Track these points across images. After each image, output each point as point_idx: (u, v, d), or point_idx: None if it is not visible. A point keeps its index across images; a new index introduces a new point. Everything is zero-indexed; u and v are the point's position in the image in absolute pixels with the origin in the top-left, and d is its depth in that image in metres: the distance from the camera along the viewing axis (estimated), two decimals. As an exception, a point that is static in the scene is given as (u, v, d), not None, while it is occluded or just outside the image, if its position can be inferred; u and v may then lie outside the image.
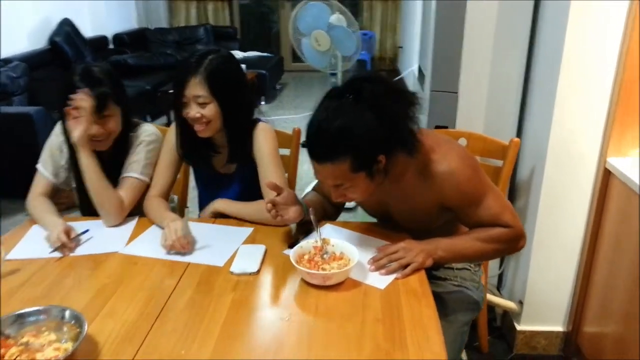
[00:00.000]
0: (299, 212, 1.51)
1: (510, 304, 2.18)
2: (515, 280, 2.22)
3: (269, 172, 1.68)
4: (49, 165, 1.77)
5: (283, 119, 5.82)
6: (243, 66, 1.69)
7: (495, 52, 2.07)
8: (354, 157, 1.27)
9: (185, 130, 1.69)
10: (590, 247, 1.97)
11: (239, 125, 1.69)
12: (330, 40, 3.14)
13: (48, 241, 1.53)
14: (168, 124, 5.46)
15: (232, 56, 1.71)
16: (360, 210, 2.22)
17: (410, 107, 1.33)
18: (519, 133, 2.15)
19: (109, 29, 6.33)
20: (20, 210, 3.58)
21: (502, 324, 2.33)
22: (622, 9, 1.70)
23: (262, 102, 6.37)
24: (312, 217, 1.46)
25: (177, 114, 1.67)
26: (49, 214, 1.67)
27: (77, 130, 1.61)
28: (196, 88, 1.57)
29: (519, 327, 2.16)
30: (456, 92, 2.12)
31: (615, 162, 1.82)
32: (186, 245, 1.47)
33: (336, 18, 3.17)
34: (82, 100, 1.59)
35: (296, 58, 8.64)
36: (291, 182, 2.06)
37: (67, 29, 5.27)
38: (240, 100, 1.69)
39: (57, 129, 1.79)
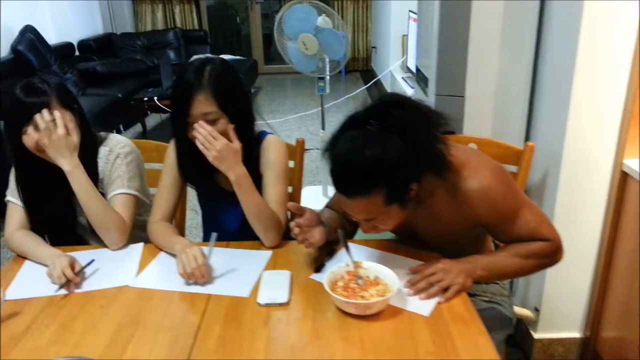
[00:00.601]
0: (324, 233, 1.41)
1: (526, 312, 2.13)
2: (529, 287, 2.17)
3: (272, 186, 1.58)
4: (19, 193, 1.61)
5: (262, 124, 5.67)
6: (212, 56, 1.55)
7: (503, 53, 2.02)
8: (388, 189, 1.18)
9: (187, 151, 1.55)
10: (608, 250, 1.93)
11: (247, 138, 1.57)
12: (318, 43, 3.04)
13: (50, 277, 1.38)
14: (143, 133, 5.33)
15: (229, 63, 1.57)
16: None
17: (437, 127, 1.24)
18: (527, 137, 2.10)
19: (74, 35, 6.07)
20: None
21: (515, 332, 2.28)
22: (634, 8, 1.66)
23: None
24: (341, 239, 1.36)
25: (179, 136, 1.55)
26: (40, 246, 1.52)
27: (62, 151, 1.49)
28: (203, 105, 1.44)
29: (535, 335, 2.11)
30: (463, 96, 2.05)
31: (632, 164, 1.79)
32: (206, 274, 1.35)
33: (323, 20, 3.08)
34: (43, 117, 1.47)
35: (268, 60, 8.56)
36: (296, 197, 1.95)
37: (30, 36, 5.00)
38: (247, 110, 1.58)
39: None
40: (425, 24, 2.28)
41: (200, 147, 1.45)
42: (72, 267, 1.38)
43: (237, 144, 1.48)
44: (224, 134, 1.47)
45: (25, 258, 1.53)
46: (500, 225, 1.35)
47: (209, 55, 5.94)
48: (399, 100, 1.25)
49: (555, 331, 2.11)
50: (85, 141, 1.58)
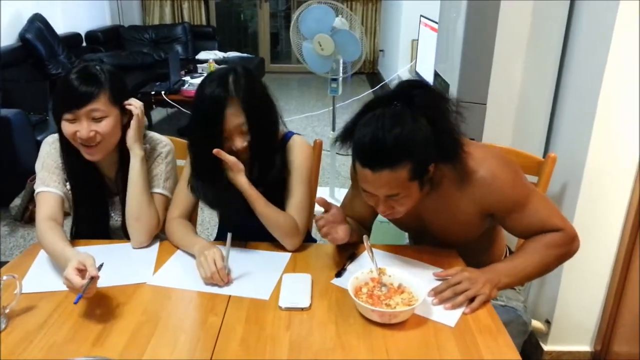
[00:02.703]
0: (348, 231, 1.40)
1: (538, 324, 2.11)
2: (540, 298, 2.15)
3: (293, 189, 1.54)
4: (53, 182, 1.53)
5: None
6: (231, 66, 1.52)
7: (527, 61, 1.99)
8: (414, 164, 1.20)
9: (206, 168, 1.49)
10: (624, 264, 1.91)
11: (272, 142, 1.53)
12: (334, 44, 3.01)
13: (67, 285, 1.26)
14: (149, 127, 5.28)
15: (252, 72, 1.51)
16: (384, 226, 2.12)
17: (454, 114, 1.28)
18: (547, 147, 2.08)
19: (82, 25, 6.02)
20: (-4, 221, 3.33)
21: (525, 343, 2.25)
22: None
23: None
24: (366, 244, 1.33)
25: (201, 152, 1.48)
26: (60, 242, 1.39)
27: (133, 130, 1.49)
28: (235, 118, 1.41)
29: (546, 348, 2.09)
30: (485, 104, 2.03)
31: (654, 179, 1.77)
32: (225, 277, 1.32)
33: (340, 21, 3.05)
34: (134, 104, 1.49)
35: (275, 59, 8.53)
36: (313, 196, 1.92)
37: (38, 25, 4.96)
38: (272, 115, 1.53)
39: (51, 147, 1.57)
40: (447, 27, 2.25)
41: None
42: (81, 271, 1.24)
43: (229, 161, 1.43)
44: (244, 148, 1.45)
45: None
46: (510, 214, 1.35)
47: (228, 65, 5.77)
48: (420, 83, 1.31)
49: (565, 344, 2.09)
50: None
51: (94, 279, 1.20)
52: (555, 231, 1.36)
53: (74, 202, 1.58)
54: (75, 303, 1.17)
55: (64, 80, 1.45)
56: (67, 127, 1.45)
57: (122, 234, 1.60)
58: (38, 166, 1.56)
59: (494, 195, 1.32)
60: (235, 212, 1.54)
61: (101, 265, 1.25)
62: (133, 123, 1.52)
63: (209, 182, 1.51)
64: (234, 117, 1.40)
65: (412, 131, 1.18)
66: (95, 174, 1.59)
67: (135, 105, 1.52)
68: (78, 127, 1.43)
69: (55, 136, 1.58)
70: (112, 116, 1.48)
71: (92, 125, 1.44)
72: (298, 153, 1.56)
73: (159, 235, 1.58)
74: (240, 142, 1.44)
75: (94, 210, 1.61)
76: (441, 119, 1.24)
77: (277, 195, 1.55)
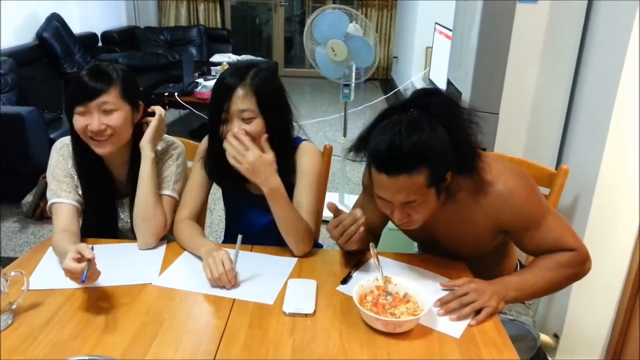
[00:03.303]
0: (363, 234, 1.38)
1: (546, 338, 2.08)
2: (548, 312, 2.13)
3: (303, 194, 1.54)
4: (64, 192, 1.54)
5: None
6: (260, 59, 1.54)
7: (541, 71, 1.98)
8: (431, 170, 1.19)
9: (220, 152, 1.48)
10: (635, 278, 1.88)
11: (282, 146, 1.53)
12: (347, 50, 3.01)
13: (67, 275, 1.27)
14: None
15: (276, 72, 1.55)
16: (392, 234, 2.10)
17: (473, 125, 1.27)
18: (560, 159, 2.06)
19: (98, 26, 6.09)
20: (8, 217, 3.36)
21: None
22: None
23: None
24: (372, 252, 1.33)
25: (213, 131, 1.51)
26: (69, 246, 1.37)
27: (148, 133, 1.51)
28: (241, 101, 1.42)
29: (553, 362, 2.07)
30: (497, 114, 2.02)
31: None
32: (233, 279, 1.32)
33: (353, 27, 3.05)
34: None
35: (288, 63, 8.55)
36: (321, 202, 1.92)
37: (55, 24, 5.02)
38: (286, 117, 1.55)
39: (58, 154, 1.58)
40: (461, 35, 2.24)
41: (232, 160, 1.41)
42: (79, 260, 1.24)
43: (270, 155, 1.43)
44: (258, 136, 1.44)
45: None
46: (524, 231, 1.34)
47: (254, 59, 5.84)
48: (436, 91, 1.31)
49: (574, 358, 2.06)
50: (139, 139, 1.55)
51: (90, 261, 1.21)
52: (569, 251, 1.33)
53: (84, 202, 1.59)
54: (83, 281, 1.19)
55: (76, 76, 1.48)
56: (79, 121, 1.46)
57: (132, 236, 1.60)
58: (49, 176, 1.57)
59: (510, 211, 1.31)
60: (242, 193, 1.59)
61: (92, 248, 1.24)
62: (153, 122, 1.55)
63: (222, 165, 1.50)
64: (239, 101, 1.42)
65: (429, 138, 1.17)
66: (105, 174, 1.60)
67: (159, 109, 1.58)
68: (89, 120, 1.45)
69: (64, 141, 1.60)
70: (123, 111, 1.49)
71: (102, 118, 1.46)
72: (307, 159, 1.55)
73: (167, 236, 1.58)
74: (235, 129, 1.42)
75: (103, 211, 1.61)
76: (458, 128, 1.23)
77: (290, 191, 1.54)
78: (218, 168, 1.57)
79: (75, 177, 1.57)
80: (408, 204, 1.24)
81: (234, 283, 1.32)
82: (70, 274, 1.21)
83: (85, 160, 1.55)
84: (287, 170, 1.53)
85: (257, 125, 1.44)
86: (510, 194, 1.30)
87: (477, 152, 1.27)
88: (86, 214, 1.60)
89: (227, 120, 1.45)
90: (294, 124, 1.59)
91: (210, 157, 1.58)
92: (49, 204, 1.55)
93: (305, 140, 1.61)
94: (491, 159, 1.33)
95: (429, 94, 1.27)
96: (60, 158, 1.58)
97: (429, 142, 1.17)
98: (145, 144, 1.53)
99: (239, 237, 1.38)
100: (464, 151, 1.24)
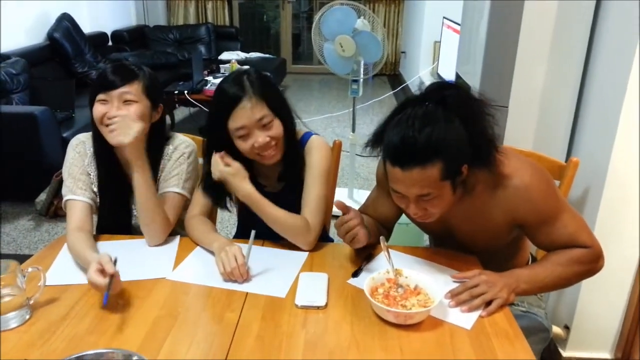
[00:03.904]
0: (366, 234, 1.39)
1: (556, 329, 2.08)
2: (559, 304, 2.13)
3: (308, 189, 1.55)
4: (80, 190, 1.57)
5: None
6: (245, 67, 1.55)
7: (551, 63, 1.97)
8: (445, 163, 1.18)
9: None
10: (646, 272, 1.88)
11: (292, 142, 1.56)
12: (355, 45, 3.02)
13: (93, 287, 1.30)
14: (172, 126, 5.36)
15: (262, 72, 1.56)
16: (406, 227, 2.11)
17: (487, 116, 1.26)
18: (570, 151, 2.06)
19: (108, 25, 6.14)
20: (23, 215, 3.41)
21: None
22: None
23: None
24: (382, 245, 1.34)
25: (212, 150, 1.51)
26: (86, 250, 1.42)
27: (128, 137, 1.45)
28: (255, 110, 1.42)
29: (564, 354, 2.06)
30: (507, 107, 2.01)
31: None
32: (245, 273, 1.34)
33: (361, 23, 3.05)
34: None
35: (296, 60, 8.57)
36: (329, 198, 1.93)
37: (66, 24, 5.07)
38: (290, 113, 1.56)
39: (75, 151, 1.61)
40: (470, 29, 2.24)
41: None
42: (101, 271, 1.27)
43: (232, 166, 1.46)
44: (281, 136, 1.48)
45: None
46: (540, 227, 1.34)
47: (241, 67, 5.82)
48: (451, 84, 1.31)
49: (584, 350, 2.06)
50: (155, 141, 1.59)
51: (113, 276, 1.23)
52: (582, 247, 1.33)
53: (100, 199, 1.62)
54: (105, 304, 1.22)
55: (102, 70, 1.53)
56: (98, 108, 1.49)
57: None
58: (65, 172, 1.60)
59: (526, 206, 1.30)
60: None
61: (115, 260, 1.28)
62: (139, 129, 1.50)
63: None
64: (252, 112, 1.42)
65: (444, 130, 1.17)
66: (120, 171, 1.61)
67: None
68: (108, 108, 1.48)
69: (80, 138, 1.62)
70: (143, 105, 1.52)
71: (122, 107, 1.49)
72: (316, 153, 1.56)
73: (180, 232, 1.61)
74: (262, 138, 1.44)
75: (117, 207, 1.64)
76: (474, 120, 1.23)
77: (297, 194, 1.57)
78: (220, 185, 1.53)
79: (92, 174, 1.60)
80: (423, 198, 1.24)
81: (246, 277, 1.34)
82: (94, 286, 1.24)
83: (103, 154, 1.58)
84: (296, 166, 1.55)
85: (276, 128, 1.46)
86: (527, 188, 1.29)
87: (494, 145, 1.26)
88: (101, 211, 1.63)
89: (245, 135, 1.45)
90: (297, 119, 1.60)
91: (210, 178, 1.54)
92: (64, 200, 1.57)
93: (313, 134, 1.62)
94: (508, 153, 1.32)
95: (444, 87, 1.27)
96: (76, 155, 1.60)
97: (443, 135, 1.17)
98: (136, 157, 1.51)
99: (252, 232, 1.40)
100: (480, 144, 1.23)
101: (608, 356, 2.06)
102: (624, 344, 2.00)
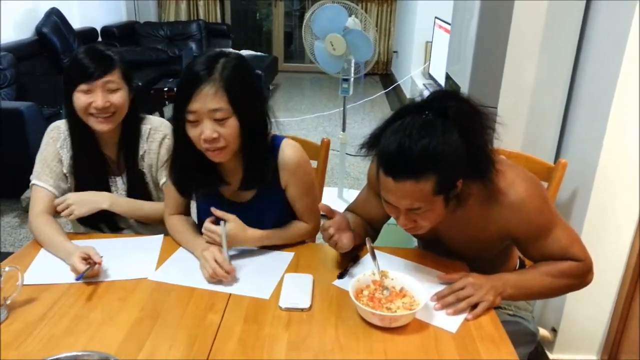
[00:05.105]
0: (352, 238, 1.37)
1: (544, 332, 2.08)
2: (547, 306, 2.12)
3: (300, 199, 1.52)
4: (46, 176, 1.58)
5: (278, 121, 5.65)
6: (232, 51, 1.48)
7: (540, 64, 1.96)
8: (439, 178, 1.14)
9: (184, 153, 1.38)
10: (634, 274, 1.88)
11: (258, 145, 1.39)
12: (346, 44, 3.00)
13: (73, 272, 1.33)
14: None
15: (246, 59, 1.40)
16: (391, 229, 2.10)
17: (489, 130, 1.23)
18: (558, 152, 2.05)
19: (98, 20, 6.08)
20: (8, 212, 3.36)
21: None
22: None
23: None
24: (368, 246, 1.32)
25: (178, 134, 1.36)
26: (58, 236, 1.45)
27: None
28: (212, 100, 1.25)
29: (552, 356, 2.06)
30: (496, 107, 2.00)
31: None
32: (230, 270, 1.32)
33: (352, 21, 3.04)
34: None
35: (288, 58, 8.54)
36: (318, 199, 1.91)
37: (54, 19, 5.01)
38: (260, 113, 1.38)
39: (49, 137, 1.62)
40: (460, 29, 2.23)
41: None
42: (86, 260, 1.31)
43: (229, 225, 1.41)
44: (233, 137, 1.31)
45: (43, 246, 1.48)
46: (532, 241, 1.31)
47: (224, 49, 5.62)
48: (455, 94, 1.26)
49: (572, 353, 2.06)
50: (130, 120, 1.61)
51: (98, 265, 1.31)
52: (573, 260, 1.31)
53: (76, 181, 1.61)
54: (77, 280, 1.28)
55: (75, 57, 1.51)
56: (81, 98, 1.49)
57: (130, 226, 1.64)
58: (38, 156, 1.61)
59: (520, 222, 1.28)
60: (217, 200, 1.49)
61: (101, 257, 1.34)
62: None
63: (191, 172, 1.42)
64: (209, 99, 1.25)
65: (441, 143, 1.12)
66: (99, 153, 1.62)
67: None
68: (93, 98, 1.48)
69: (56, 124, 1.62)
70: (124, 90, 1.54)
71: (107, 96, 1.49)
72: (293, 160, 1.45)
73: (163, 229, 1.59)
74: (208, 132, 1.27)
75: (95, 181, 1.63)
76: (474, 134, 1.18)
77: (269, 203, 1.51)
78: (184, 173, 1.44)
79: (64, 157, 1.60)
80: (414, 211, 1.21)
81: (230, 272, 1.32)
82: (76, 272, 1.29)
83: (81, 139, 1.58)
84: (265, 172, 1.43)
85: (230, 126, 1.29)
86: (521, 204, 1.26)
87: (493, 160, 1.22)
88: (78, 190, 1.61)
89: (196, 122, 1.28)
90: (272, 120, 1.43)
91: (176, 161, 1.43)
92: (31, 183, 1.59)
93: (284, 138, 1.49)
94: (504, 164, 1.30)
95: (448, 96, 1.22)
96: (49, 141, 1.61)
97: (439, 148, 1.12)
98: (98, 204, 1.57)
99: (222, 222, 1.39)
100: (479, 158, 1.19)
101: (595, 358, 2.06)
102: (610, 346, 2.00)
